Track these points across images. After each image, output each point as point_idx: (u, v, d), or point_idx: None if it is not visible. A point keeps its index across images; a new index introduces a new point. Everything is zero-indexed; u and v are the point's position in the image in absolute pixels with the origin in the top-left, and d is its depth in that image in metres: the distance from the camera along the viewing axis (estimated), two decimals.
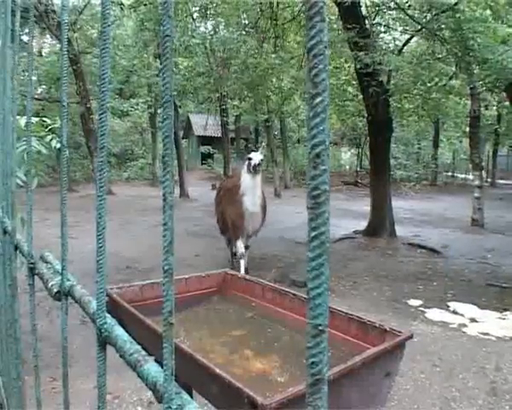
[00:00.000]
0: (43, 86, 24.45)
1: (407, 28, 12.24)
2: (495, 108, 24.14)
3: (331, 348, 2.29)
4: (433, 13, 10.34)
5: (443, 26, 10.41)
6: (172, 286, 0.64)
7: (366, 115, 12.46)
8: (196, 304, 2.97)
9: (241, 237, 7.86)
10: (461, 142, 29.79)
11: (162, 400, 0.64)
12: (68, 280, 1.14)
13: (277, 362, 2.21)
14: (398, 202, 15.48)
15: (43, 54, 26.79)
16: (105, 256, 0.89)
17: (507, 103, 16.80)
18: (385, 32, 13.33)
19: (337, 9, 10.74)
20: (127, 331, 0.89)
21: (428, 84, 12.62)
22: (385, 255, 9.88)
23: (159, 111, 25.73)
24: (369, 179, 14.20)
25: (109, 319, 0.90)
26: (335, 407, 1.57)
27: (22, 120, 3.45)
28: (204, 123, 31.09)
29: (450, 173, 33.69)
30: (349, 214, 15.04)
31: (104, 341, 0.88)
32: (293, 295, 2.82)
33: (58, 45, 21.91)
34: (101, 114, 0.85)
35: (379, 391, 1.91)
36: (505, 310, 6.61)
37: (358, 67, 10.21)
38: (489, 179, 29.31)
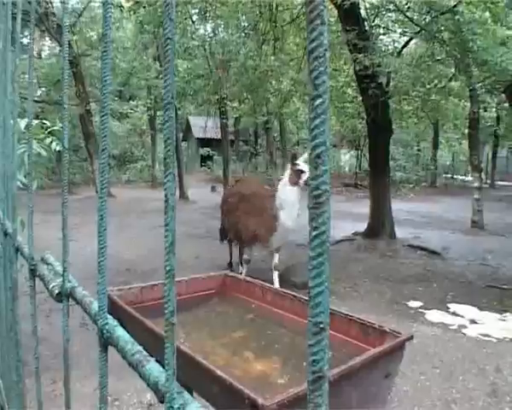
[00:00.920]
0: (43, 89, 24.45)
1: (406, 30, 12.27)
2: (494, 109, 24.17)
3: (331, 350, 2.29)
4: (433, 15, 10.36)
5: (442, 27, 10.43)
6: (174, 287, 0.64)
7: (365, 117, 12.47)
8: (197, 306, 2.98)
9: (254, 247, 7.64)
10: (460, 143, 29.81)
11: (164, 399, 0.65)
12: (69, 282, 1.15)
13: (277, 364, 2.22)
14: (398, 203, 15.48)
15: (43, 56, 26.81)
16: (106, 258, 0.90)
17: (506, 105, 16.80)
18: (384, 34, 13.37)
19: (336, 11, 10.74)
20: (127, 333, 0.90)
21: (428, 86, 12.65)
22: (384, 257, 9.88)
23: (158, 113, 25.75)
24: (368, 181, 14.20)
25: (111, 320, 0.91)
26: (336, 407, 1.57)
27: (22, 123, 3.46)
28: (203, 125, 31.06)
29: (449, 175, 33.74)
30: (348, 216, 15.04)
31: (106, 342, 0.89)
32: (294, 296, 2.83)
33: (58, 48, 21.96)
34: (103, 116, 0.86)
35: (379, 392, 1.91)
36: (505, 311, 6.62)
37: (358, 69, 10.22)
38: (488, 181, 29.36)
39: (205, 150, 32.92)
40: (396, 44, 13.69)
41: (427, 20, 10.87)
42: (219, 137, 20.77)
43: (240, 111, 21.20)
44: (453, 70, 12.51)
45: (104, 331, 0.88)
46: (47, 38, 24.07)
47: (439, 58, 12.20)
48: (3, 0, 1.51)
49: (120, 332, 0.87)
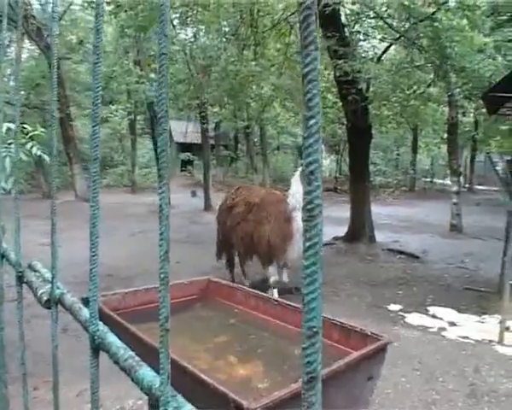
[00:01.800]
0: (22, 92, 24.20)
1: (386, 36, 12.42)
2: (472, 115, 24.53)
3: None
4: (412, 22, 10.53)
5: (421, 34, 10.60)
6: (168, 293, 0.67)
7: (345, 122, 12.58)
8: (180, 311, 2.99)
9: (275, 263, 6.97)
10: (439, 148, 30.15)
11: (158, 403, 0.67)
12: (58, 288, 1.16)
13: (261, 368, 2.24)
14: (378, 207, 15.61)
15: (22, 59, 26.52)
16: (98, 264, 0.91)
17: (484, 110, 17.08)
18: (364, 40, 13.53)
19: (317, 17, 10.82)
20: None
21: (407, 92, 12.81)
22: (365, 261, 9.97)
23: (138, 117, 25.63)
24: (348, 186, 14.32)
25: (102, 326, 0.92)
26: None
27: (4, 127, 3.44)
28: (184, 130, 31.00)
29: (428, 179, 34.05)
30: (328, 221, 15.09)
31: (97, 347, 0.90)
32: (276, 301, 2.86)
33: (37, 50, 21.77)
34: (94, 126, 0.88)
35: (362, 394, 1.95)
36: (483, 314, 6.73)
37: (338, 74, 10.32)
38: (467, 185, 29.75)
39: (185, 155, 32.83)
40: (376, 51, 13.86)
41: (406, 26, 11.03)
42: (200, 141, 20.75)
43: (220, 116, 21.22)
44: (432, 76, 12.69)
45: (96, 337, 0.89)
46: (26, 41, 23.85)
47: (418, 64, 12.37)
48: None
49: (112, 338, 0.89)
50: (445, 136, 16.89)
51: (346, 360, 1.80)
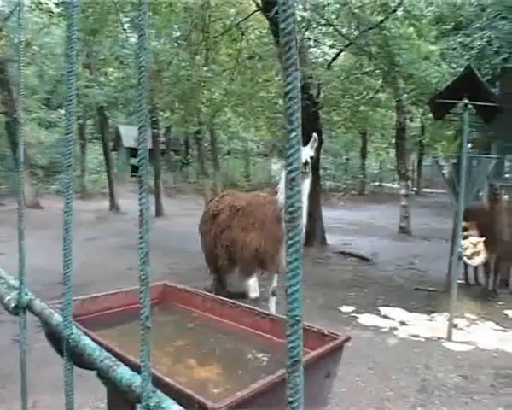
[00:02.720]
0: None
1: (336, 43, 12.67)
2: (419, 120, 25.25)
3: (273, 353, 2.38)
4: (361, 29, 10.77)
5: (370, 42, 10.86)
6: (149, 294, 0.70)
7: None
8: (136, 317, 2.97)
9: (256, 277, 6.64)
10: (388, 152, 30.85)
11: (140, 399, 0.71)
12: (27, 294, 1.17)
13: (220, 369, 2.28)
14: (328, 211, 15.85)
15: None
16: (71, 269, 0.93)
17: (430, 115, 17.59)
18: (315, 47, 13.75)
19: (268, 23, 10.96)
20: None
21: (356, 98, 13.10)
22: (316, 264, 10.10)
23: (88, 122, 25.17)
24: None
25: (75, 329, 0.94)
26: (280, 408, 1.65)
27: None
28: (134, 135, 30.65)
29: (377, 183, 34.80)
30: None
31: (71, 350, 0.92)
32: (233, 303, 2.90)
33: None
34: (67, 134, 0.90)
35: (321, 392, 2.01)
36: (432, 312, 6.96)
37: None
38: (414, 188, 30.62)
39: (135, 160, 32.39)
40: (326, 57, 14.11)
41: (355, 34, 11.28)
42: (150, 146, 20.56)
43: (171, 121, 21.09)
44: (380, 82, 13.03)
45: (70, 340, 0.92)
46: None
47: (367, 71, 12.69)
48: None
49: (86, 341, 0.92)
50: (394, 140, 17.32)
51: (305, 358, 1.86)
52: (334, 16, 11.52)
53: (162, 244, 11.73)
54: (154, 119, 17.80)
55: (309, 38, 13.12)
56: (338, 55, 13.42)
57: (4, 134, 20.58)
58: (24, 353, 1.15)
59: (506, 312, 7.04)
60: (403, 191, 14.49)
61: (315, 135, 5.80)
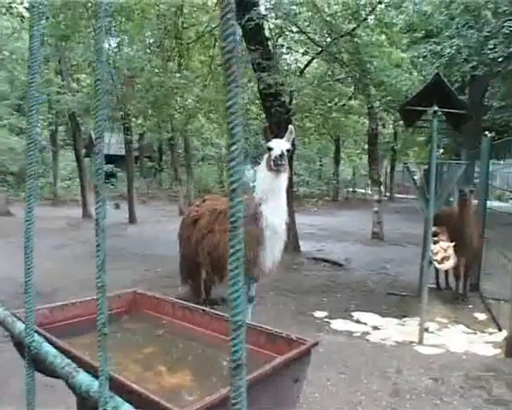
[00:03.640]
0: None
1: (308, 50, 12.78)
2: (391, 126, 25.65)
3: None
4: (333, 37, 10.89)
5: (342, 49, 10.99)
6: (105, 301, 0.72)
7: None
8: (108, 324, 2.97)
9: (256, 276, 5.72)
10: (360, 158, 31.20)
11: (97, 404, 0.72)
12: None
13: (190, 376, 2.28)
14: (302, 217, 15.89)
15: None
16: (33, 277, 0.94)
17: (402, 122, 17.88)
18: (287, 54, 13.86)
19: (241, 31, 11.02)
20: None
21: (329, 104, 13.24)
22: (289, 270, 10.11)
23: (60, 128, 24.89)
24: None
25: (37, 337, 0.95)
26: None
27: None
28: (107, 141, 30.47)
29: (350, 189, 35.11)
30: None
31: (33, 358, 0.93)
32: (203, 311, 2.91)
33: None
34: (30, 143, 0.92)
35: (289, 396, 2.03)
36: (404, 316, 7.04)
37: (262, 87, 10.48)
38: (387, 194, 31.03)
39: (108, 167, 32.21)
40: (298, 64, 14.23)
41: (327, 41, 11.40)
42: (123, 153, 20.42)
43: (144, 127, 21.01)
44: (352, 89, 13.19)
45: (31, 348, 0.93)
46: None
47: (339, 78, 12.84)
48: None
49: (48, 348, 0.93)
50: (366, 147, 17.52)
51: (272, 364, 1.88)
52: (306, 24, 11.62)
53: (134, 251, 11.66)
54: (126, 125, 17.73)
55: (282, 46, 13.23)
56: (310, 62, 13.53)
57: None
58: None
59: (475, 315, 7.17)
60: (375, 197, 14.63)
61: (291, 127, 5.35)
